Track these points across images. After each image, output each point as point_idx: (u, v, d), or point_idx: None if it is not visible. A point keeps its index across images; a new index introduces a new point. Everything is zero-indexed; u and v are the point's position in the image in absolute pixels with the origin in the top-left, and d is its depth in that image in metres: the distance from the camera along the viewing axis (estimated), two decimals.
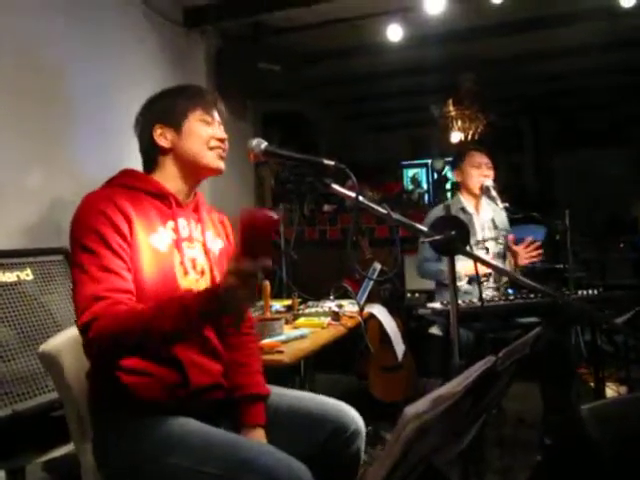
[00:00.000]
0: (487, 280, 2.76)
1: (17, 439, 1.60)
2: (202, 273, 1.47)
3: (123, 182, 1.44)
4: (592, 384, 2.81)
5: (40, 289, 1.87)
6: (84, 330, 1.21)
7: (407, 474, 0.84)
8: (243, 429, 1.45)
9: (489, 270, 2.77)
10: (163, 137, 1.46)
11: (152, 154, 1.49)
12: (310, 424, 1.46)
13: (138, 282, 1.33)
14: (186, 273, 1.42)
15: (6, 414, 1.58)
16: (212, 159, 1.48)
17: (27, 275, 1.87)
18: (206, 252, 1.51)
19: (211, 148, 1.48)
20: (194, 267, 1.45)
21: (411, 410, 0.65)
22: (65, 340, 1.45)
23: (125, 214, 1.34)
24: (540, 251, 2.76)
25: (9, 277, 1.81)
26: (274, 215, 1.12)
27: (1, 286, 1.77)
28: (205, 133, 1.48)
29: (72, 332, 1.48)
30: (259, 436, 1.45)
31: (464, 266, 2.70)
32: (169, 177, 1.48)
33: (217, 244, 1.56)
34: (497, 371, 0.87)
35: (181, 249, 1.43)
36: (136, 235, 1.34)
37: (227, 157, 1.53)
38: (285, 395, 1.56)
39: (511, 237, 2.85)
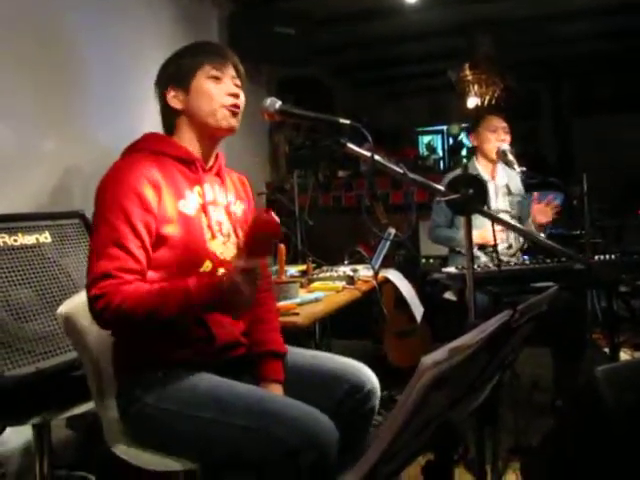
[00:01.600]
0: (493, 251, 2.73)
1: (41, 396, 1.65)
2: (228, 236, 1.49)
3: (150, 147, 1.45)
4: (607, 349, 2.81)
5: (58, 251, 1.89)
6: (91, 302, 1.26)
7: (424, 426, 0.85)
8: (261, 384, 1.48)
9: (499, 240, 2.75)
10: (176, 99, 1.46)
11: (168, 118, 1.50)
12: (326, 382, 1.49)
13: (170, 248, 1.35)
14: (214, 237, 1.44)
15: (30, 371, 1.63)
16: (223, 117, 1.45)
17: (45, 238, 1.89)
18: (229, 215, 1.52)
19: (224, 105, 1.45)
20: (220, 230, 1.47)
21: (428, 359, 0.66)
22: (83, 301, 1.45)
23: (154, 184, 1.35)
24: (557, 210, 2.72)
25: (28, 240, 1.83)
26: (277, 219, 1.23)
27: (21, 248, 1.80)
28: (215, 90, 1.45)
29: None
30: (277, 392, 1.47)
31: (475, 235, 2.68)
32: (187, 140, 1.48)
33: (239, 206, 1.58)
34: (513, 326, 0.87)
35: (208, 213, 1.45)
36: (164, 203, 1.36)
37: (241, 123, 1.51)
38: (302, 354, 1.60)
39: (536, 194, 2.81)
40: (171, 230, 1.36)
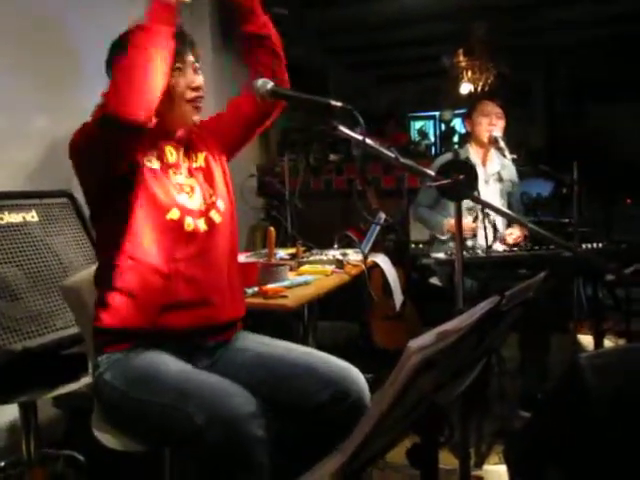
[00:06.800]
0: (473, 238, 2.73)
1: (28, 375, 1.65)
2: (192, 190, 1.49)
3: None
4: (592, 337, 2.84)
5: (45, 231, 1.88)
6: (99, 120, 1.28)
7: (410, 409, 0.86)
8: None
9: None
10: None
11: None
12: (315, 382, 1.39)
13: (140, 189, 1.36)
14: (178, 193, 1.44)
15: (17, 349, 1.63)
16: (187, 113, 1.45)
17: (32, 217, 1.88)
18: (191, 175, 1.51)
19: (188, 100, 1.44)
20: (182, 189, 1.46)
21: (416, 343, 0.66)
22: (86, 277, 1.48)
23: None
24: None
25: (15, 218, 1.82)
26: None
27: (8, 227, 1.79)
28: (178, 84, 1.42)
29: (92, 271, 1.49)
30: None
31: (451, 223, 2.68)
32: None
33: (201, 159, 1.55)
34: (501, 311, 0.88)
35: (169, 175, 1.44)
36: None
37: None
38: (294, 349, 1.52)
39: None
40: (148, 164, 1.38)
